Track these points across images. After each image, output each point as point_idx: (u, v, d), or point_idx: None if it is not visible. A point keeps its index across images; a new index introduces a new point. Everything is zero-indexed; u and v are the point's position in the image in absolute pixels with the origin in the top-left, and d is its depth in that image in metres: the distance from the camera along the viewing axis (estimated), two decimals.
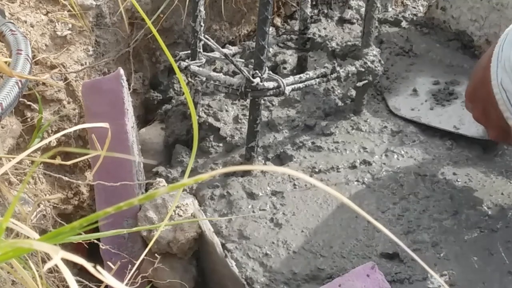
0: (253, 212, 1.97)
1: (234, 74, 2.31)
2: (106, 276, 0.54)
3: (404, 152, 2.18)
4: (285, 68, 2.55)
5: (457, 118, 2.29)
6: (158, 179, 2.04)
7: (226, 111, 2.31)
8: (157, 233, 1.76)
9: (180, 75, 0.82)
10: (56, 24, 1.90)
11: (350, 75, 2.18)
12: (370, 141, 2.22)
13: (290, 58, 2.59)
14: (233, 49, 2.38)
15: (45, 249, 0.54)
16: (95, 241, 1.67)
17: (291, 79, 2.04)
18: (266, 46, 1.92)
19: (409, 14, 2.88)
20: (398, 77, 2.51)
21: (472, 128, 2.23)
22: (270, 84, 1.95)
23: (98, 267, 0.56)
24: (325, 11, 2.91)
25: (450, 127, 2.25)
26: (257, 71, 1.94)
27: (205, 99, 2.34)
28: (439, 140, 2.25)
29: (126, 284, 1.36)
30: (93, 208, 2.03)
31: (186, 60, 2.12)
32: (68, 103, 1.93)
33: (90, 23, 2.02)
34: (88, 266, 0.54)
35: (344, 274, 1.68)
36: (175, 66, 0.84)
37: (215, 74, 2.05)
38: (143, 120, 2.45)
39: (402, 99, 2.40)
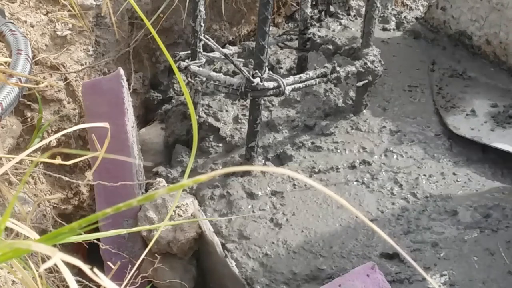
0: (253, 212, 1.97)
1: (234, 74, 2.31)
2: (102, 278, 0.54)
3: (403, 152, 2.18)
4: (282, 68, 2.55)
5: None
6: (158, 179, 2.04)
7: (226, 111, 2.31)
8: (157, 233, 1.76)
9: (179, 76, 0.82)
10: (56, 24, 1.90)
11: (350, 75, 2.18)
12: (370, 141, 2.22)
13: (290, 58, 2.59)
14: (233, 49, 2.38)
15: (43, 250, 0.54)
16: (95, 241, 1.67)
17: (291, 79, 2.04)
18: (266, 46, 1.92)
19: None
20: (454, 97, 2.46)
21: None
22: (270, 84, 1.95)
23: (95, 270, 0.56)
24: (325, 11, 2.91)
25: None
26: (257, 71, 1.94)
27: (205, 99, 2.34)
28: (438, 140, 2.25)
29: (126, 284, 1.36)
30: (93, 208, 2.03)
31: (186, 60, 2.12)
32: (68, 103, 1.93)
33: (90, 23, 2.02)
34: (85, 268, 0.54)
35: (344, 274, 1.68)
36: (174, 67, 0.84)
37: (215, 74, 2.05)
38: (143, 120, 2.45)
39: (460, 119, 2.33)
